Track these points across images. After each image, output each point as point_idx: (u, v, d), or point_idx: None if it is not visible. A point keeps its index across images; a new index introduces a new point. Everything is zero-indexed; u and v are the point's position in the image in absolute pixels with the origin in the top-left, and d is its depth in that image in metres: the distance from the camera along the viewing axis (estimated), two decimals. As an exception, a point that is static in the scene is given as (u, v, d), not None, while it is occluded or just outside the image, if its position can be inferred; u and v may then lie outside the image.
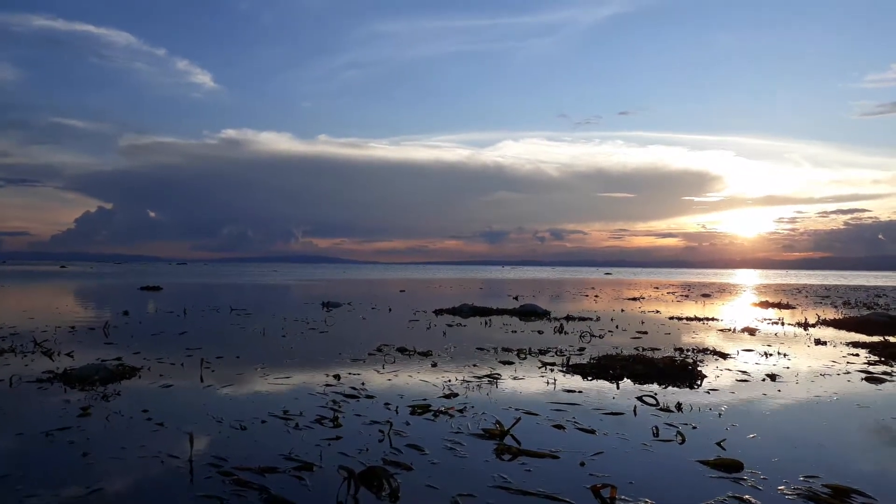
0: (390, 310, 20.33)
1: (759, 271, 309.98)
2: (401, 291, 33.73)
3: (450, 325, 15.43)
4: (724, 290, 42.27)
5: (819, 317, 19.29)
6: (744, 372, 9.27)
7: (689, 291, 39.29)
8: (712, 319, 18.28)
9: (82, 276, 55.28)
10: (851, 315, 20.00)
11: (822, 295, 37.17)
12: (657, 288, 44.58)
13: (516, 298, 27.94)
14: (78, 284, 38.94)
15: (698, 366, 9.46)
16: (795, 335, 14.49)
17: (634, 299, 28.65)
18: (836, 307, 25.39)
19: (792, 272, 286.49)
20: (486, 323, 16.19)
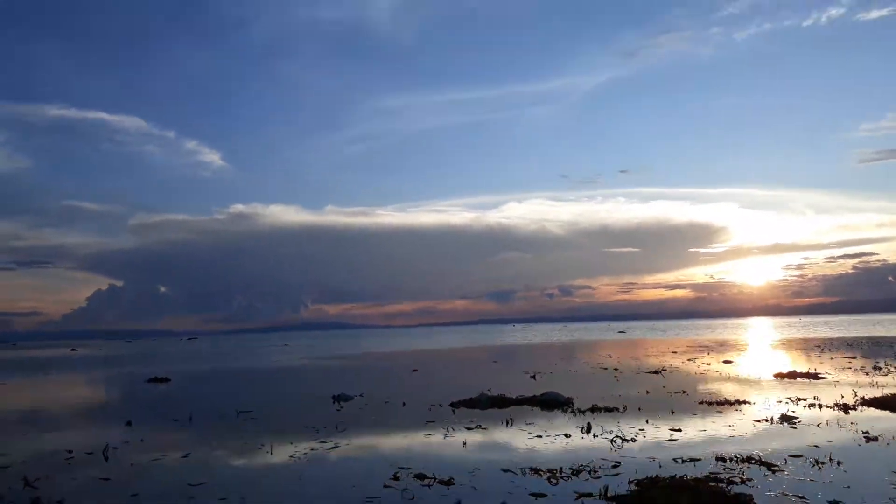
0: (404, 404, 19.43)
1: (771, 319, 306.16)
2: (413, 371, 32.78)
3: (469, 429, 14.53)
4: (742, 352, 41.12)
5: (856, 394, 18.30)
6: (800, 497, 8.38)
7: (708, 352, 38.14)
8: (744, 403, 17.32)
9: (91, 364, 54.48)
10: (889, 386, 19.02)
11: (846, 354, 35.99)
12: (675, 352, 43.42)
13: (534, 377, 26.96)
14: (84, 378, 38.15)
15: (747, 483, 8.59)
16: (839, 423, 13.55)
17: (656, 372, 27.62)
18: (866, 373, 24.33)
19: (805, 318, 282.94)
20: (507, 422, 15.28)
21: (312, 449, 12.84)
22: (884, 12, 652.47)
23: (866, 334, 64.88)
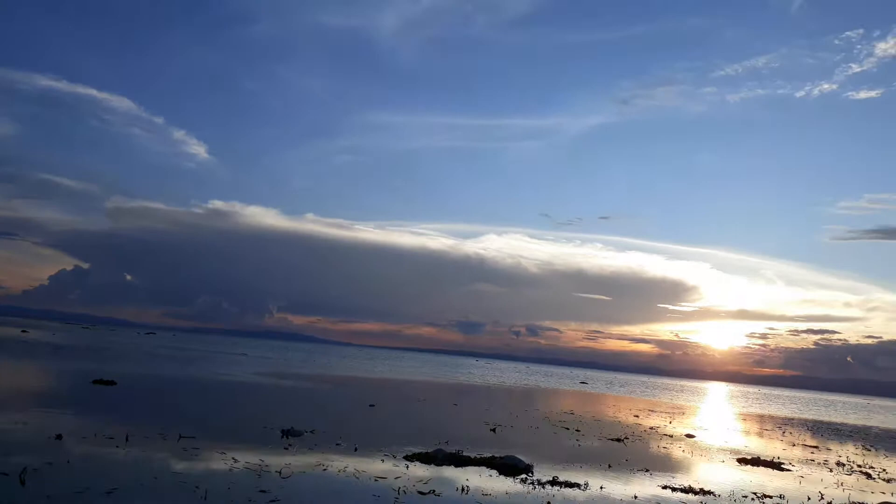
0: (356, 448, 18.45)
1: (731, 386, 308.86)
2: (371, 406, 31.71)
3: (422, 494, 13.62)
4: (704, 425, 40.64)
5: (822, 496, 17.72)
6: None
7: (670, 420, 37.47)
8: (709, 494, 16.63)
9: (37, 351, 52.44)
10: (854, 489, 18.50)
11: (808, 441, 35.63)
12: (637, 416, 42.84)
13: (494, 430, 26.09)
14: (24, 368, 36.43)
15: None
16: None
17: (619, 440, 26.89)
18: (829, 469, 23.84)
19: (764, 389, 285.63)
20: (463, 489, 14.39)
21: (250, 501, 11.84)
22: (872, 93, 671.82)
23: (826, 419, 64.99)
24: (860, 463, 26.80)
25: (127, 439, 16.39)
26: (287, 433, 19.97)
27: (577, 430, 29.28)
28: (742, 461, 23.76)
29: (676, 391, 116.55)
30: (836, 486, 20.10)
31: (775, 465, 23.27)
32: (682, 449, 26.13)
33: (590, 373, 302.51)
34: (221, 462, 14.86)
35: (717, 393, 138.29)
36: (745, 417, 54.55)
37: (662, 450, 25.36)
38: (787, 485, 19.39)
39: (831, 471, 23.64)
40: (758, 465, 23.13)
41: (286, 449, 17.44)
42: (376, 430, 23.42)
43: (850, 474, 23.09)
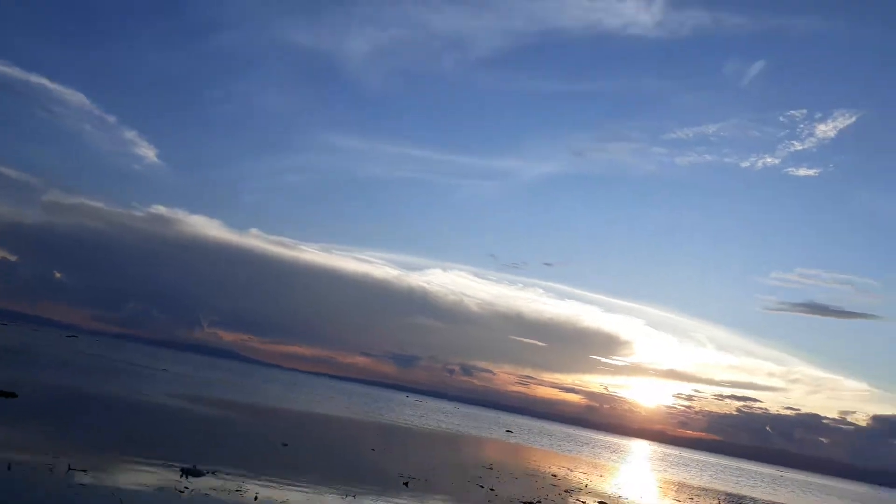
0: (256, 497, 17.73)
1: (654, 445, 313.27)
2: (284, 445, 30.76)
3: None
4: (621, 492, 40.80)
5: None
6: None
7: (587, 481, 37.40)
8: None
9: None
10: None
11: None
12: (555, 475, 42.79)
13: (406, 484, 25.56)
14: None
15: None
16: None
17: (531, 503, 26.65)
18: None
19: (685, 452, 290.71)
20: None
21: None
22: (811, 172, 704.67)
23: (737, 491, 66.21)
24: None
25: (9, 468, 15.38)
26: (187, 472, 19.08)
27: (492, 490, 28.95)
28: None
29: (600, 448, 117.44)
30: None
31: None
32: (592, 519, 26.05)
33: (518, 419, 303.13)
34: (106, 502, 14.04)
35: (640, 453, 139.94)
36: (662, 484, 55.11)
37: (573, 518, 25.23)
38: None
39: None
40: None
41: (181, 492, 16.62)
42: (285, 474, 22.64)
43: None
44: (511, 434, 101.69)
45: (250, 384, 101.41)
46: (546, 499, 29.32)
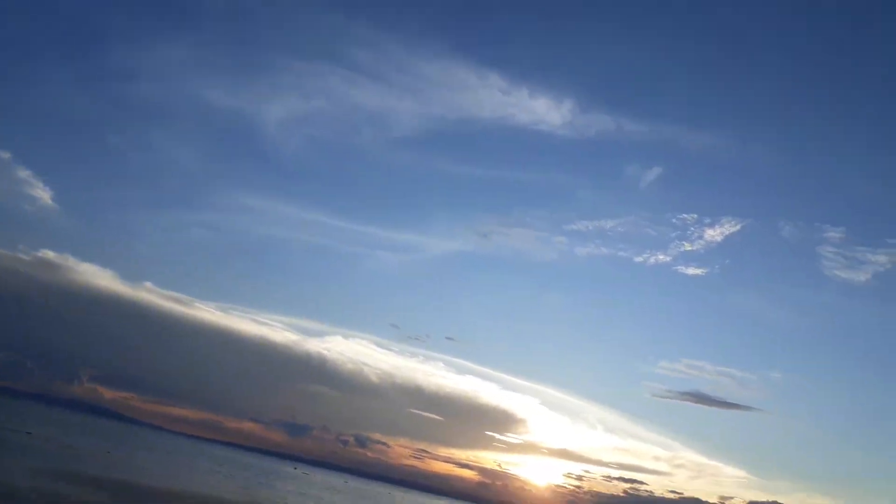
0: None
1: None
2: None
3: None
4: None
5: None
6: None
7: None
8: None
9: None
10: None
11: None
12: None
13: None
14: None
15: None
16: None
17: None
18: None
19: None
20: None
21: None
22: (699, 271, 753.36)
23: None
24: None
25: None
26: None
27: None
28: None
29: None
30: None
31: None
32: None
33: (410, 496, 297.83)
34: None
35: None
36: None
37: None
38: None
39: None
40: None
41: None
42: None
43: None
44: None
45: (124, 453, 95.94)
46: None
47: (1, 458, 48.17)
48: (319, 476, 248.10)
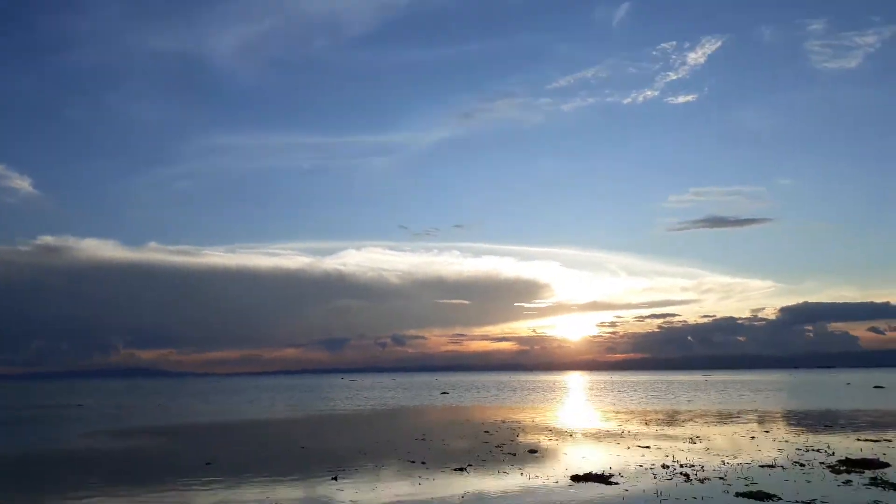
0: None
1: (587, 375, 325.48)
2: (207, 464, 29.95)
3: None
4: (552, 433, 42.12)
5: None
6: None
7: (519, 431, 38.45)
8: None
9: None
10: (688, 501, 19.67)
11: (640, 441, 37.80)
12: (487, 431, 43.60)
13: (335, 478, 25.46)
14: None
15: None
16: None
17: (461, 469, 27.11)
18: (654, 476, 25.27)
19: (616, 375, 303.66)
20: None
21: None
22: (689, 98, 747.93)
23: (663, 407, 69.69)
24: (682, 462, 28.68)
25: None
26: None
27: (423, 463, 29.25)
28: (575, 478, 24.71)
29: (533, 390, 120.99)
30: (676, 501, 21.22)
31: (604, 480, 24.37)
32: (520, 472, 26.75)
33: (454, 377, 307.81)
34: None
35: (572, 386, 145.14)
36: (592, 415, 57.28)
37: (502, 474, 25.91)
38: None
39: (655, 477, 25.07)
40: (588, 481, 24.16)
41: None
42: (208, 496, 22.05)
43: (670, 479, 24.60)
44: (447, 395, 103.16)
45: (173, 400, 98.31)
46: (476, 460, 29.91)
47: (56, 429, 48.79)
48: (368, 380, 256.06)
